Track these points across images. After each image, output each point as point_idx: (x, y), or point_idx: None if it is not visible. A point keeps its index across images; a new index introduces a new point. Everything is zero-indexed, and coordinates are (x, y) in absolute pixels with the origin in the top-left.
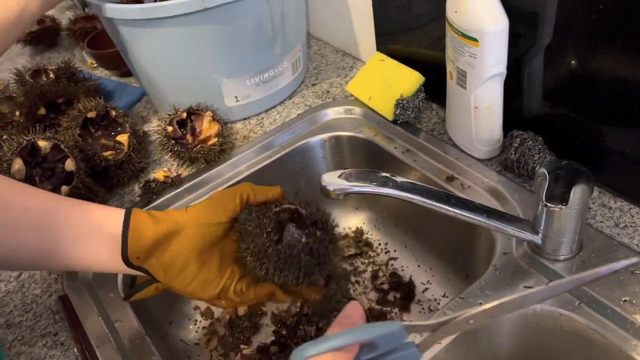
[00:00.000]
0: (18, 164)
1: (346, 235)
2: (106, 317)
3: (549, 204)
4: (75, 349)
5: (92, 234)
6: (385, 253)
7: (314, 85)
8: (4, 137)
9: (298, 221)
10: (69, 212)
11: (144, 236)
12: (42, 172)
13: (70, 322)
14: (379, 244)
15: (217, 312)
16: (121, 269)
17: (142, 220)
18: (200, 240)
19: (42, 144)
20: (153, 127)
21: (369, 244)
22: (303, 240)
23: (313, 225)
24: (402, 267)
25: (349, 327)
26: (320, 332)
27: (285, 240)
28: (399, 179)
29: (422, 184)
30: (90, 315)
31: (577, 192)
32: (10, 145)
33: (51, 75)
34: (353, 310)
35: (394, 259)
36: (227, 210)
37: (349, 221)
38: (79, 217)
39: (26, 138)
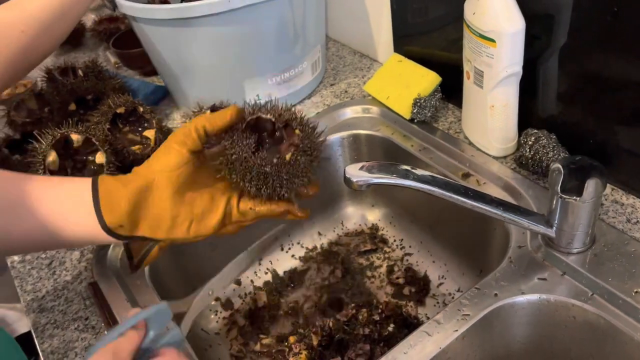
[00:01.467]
0: (52, 156)
1: (362, 232)
2: (134, 303)
3: (564, 196)
4: (106, 332)
5: (75, 206)
6: (401, 249)
7: (332, 85)
8: (35, 131)
9: (269, 129)
10: (43, 188)
11: (117, 204)
12: (73, 164)
13: (100, 307)
14: (394, 240)
15: (237, 303)
16: (100, 239)
17: (111, 186)
18: (176, 184)
19: (75, 137)
20: (176, 124)
21: (384, 240)
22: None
23: (285, 127)
24: (417, 262)
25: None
26: (337, 322)
27: (264, 157)
28: (419, 171)
29: (441, 177)
30: (119, 301)
31: (591, 186)
32: (45, 138)
33: (79, 73)
34: (133, 311)
35: (409, 254)
36: (186, 147)
37: (365, 218)
38: (53, 189)
39: (60, 131)
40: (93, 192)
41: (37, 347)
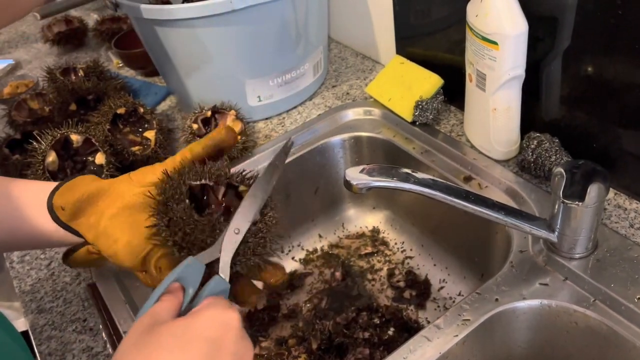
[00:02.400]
0: (52, 157)
1: (363, 234)
2: (133, 305)
3: (566, 200)
4: (104, 334)
5: (32, 203)
6: (402, 252)
7: (334, 86)
8: (35, 131)
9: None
10: (7, 188)
11: (75, 190)
12: (73, 165)
13: (99, 308)
14: (395, 243)
15: (236, 305)
16: (56, 237)
17: (81, 179)
18: (131, 199)
19: (75, 137)
20: (177, 125)
21: (385, 243)
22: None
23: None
24: (418, 265)
25: None
26: (336, 325)
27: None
28: (419, 175)
29: (442, 181)
30: (118, 302)
31: (593, 190)
32: (45, 139)
33: (80, 74)
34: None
35: (410, 257)
36: (157, 173)
37: (366, 220)
38: (18, 189)
39: (60, 132)
40: (54, 189)
41: (35, 348)
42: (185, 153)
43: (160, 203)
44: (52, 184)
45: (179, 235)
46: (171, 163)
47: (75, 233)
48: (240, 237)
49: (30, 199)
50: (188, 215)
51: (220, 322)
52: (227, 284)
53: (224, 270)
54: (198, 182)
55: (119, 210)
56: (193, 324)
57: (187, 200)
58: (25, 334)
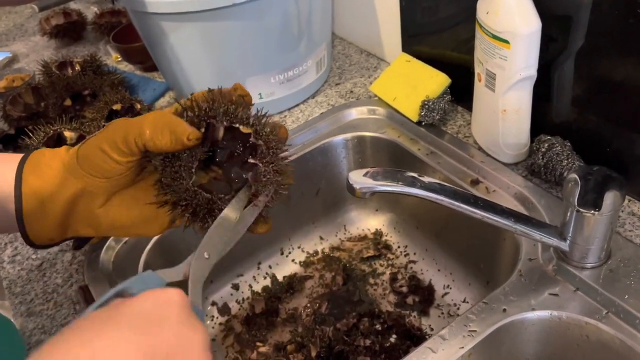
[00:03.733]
0: None
1: (365, 237)
2: None
3: (581, 209)
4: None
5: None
6: (405, 256)
7: (337, 84)
8: (30, 126)
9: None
10: None
11: (47, 218)
12: None
13: None
14: (399, 247)
15: (234, 309)
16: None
17: (39, 197)
18: (110, 192)
19: (68, 134)
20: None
21: (388, 246)
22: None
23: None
24: (421, 270)
25: None
26: (337, 331)
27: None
28: (426, 179)
29: (450, 186)
30: None
31: (609, 198)
32: (37, 135)
33: (77, 68)
34: None
35: (414, 262)
36: (123, 156)
37: (369, 223)
38: None
39: (53, 128)
40: (16, 205)
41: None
42: (137, 142)
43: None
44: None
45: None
46: (128, 152)
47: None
48: (211, 263)
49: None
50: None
51: (156, 298)
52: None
53: (197, 299)
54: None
55: (106, 206)
56: (123, 304)
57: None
58: None
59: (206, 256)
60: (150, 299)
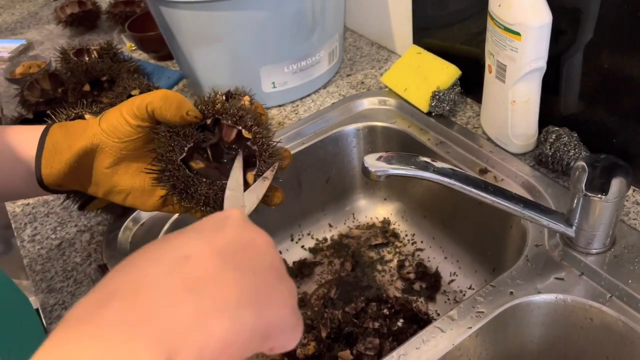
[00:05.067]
0: None
1: (373, 225)
2: None
3: (589, 193)
4: None
5: (5, 157)
6: (412, 244)
7: (348, 75)
8: (48, 111)
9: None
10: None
11: (59, 159)
12: None
13: None
14: (406, 235)
15: None
16: (42, 192)
17: (58, 144)
18: (120, 154)
19: (89, 117)
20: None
21: (395, 235)
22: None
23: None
24: (428, 258)
25: None
26: (346, 314)
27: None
28: (439, 164)
29: (462, 171)
30: None
31: (616, 185)
32: (59, 118)
33: (94, 55)
34: None
35: (421, 250)
36: (137, 121)
37: (377, 211)
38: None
39: (74, 111)
40: (38, 150)
41: (44, 327)
42: (148, 109)
43: (161, 170)
44: (23, 134)
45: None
46: (141, 117)
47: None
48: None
49: (25, 144)
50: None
51: (215, 216)
52: None
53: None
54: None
55: (113, 167)
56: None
57: (186, 170)
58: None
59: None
60: (211, 218)
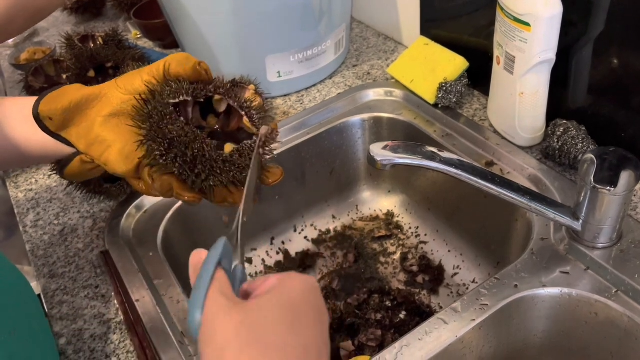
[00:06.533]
0: None
1: (377, 217)
2: (145, 274)
3: (597, 186)
4: (116, 301)
5: (19, 117)
6: (416, 237)
7: (354, 66)
8: None
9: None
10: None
11: (61, 99)
12: None
13: (111, 276)
14: (410, 228)
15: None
16: (43, 145)
17: (67, 88)
18: (118, 107)
19: None
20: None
21: (399, 227)
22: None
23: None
24: (432, 251)
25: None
26: (348, 305)
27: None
28: (445, 154)
29: (469, 162)
30: (131, 271)
31: (625, 178)
32: None
33: (99, 42)
34: (196, 255)
35: (425, 242)
36: (153, 79)
37: (381, 204)
38: (4, 106)
39: None
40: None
41: (46, 311)
42: (165, 68)
43: (150, 128)
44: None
45: (187, 156)
46: (155, 71)
47: (66, 143)
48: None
49: (16, 113)
50: (191, 132)
51: (306, 290)
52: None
53: (241, 258)
54: (177, 100)
55: (109, 117)
56: (285, 293)
57: (181, 118)
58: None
59: (245, 220)
60: (297, 288)
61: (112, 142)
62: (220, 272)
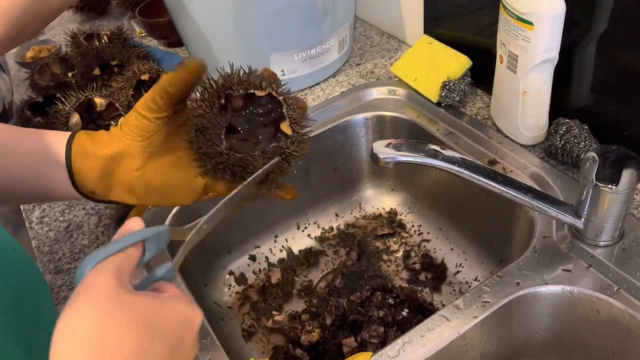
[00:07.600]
0: (75, 118)
1: (380, 215)
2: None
3: (599, 184)
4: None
5: (47, 162)
6: (419, 235)
7: (358, 65)
8: (58, 95)
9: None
10: (23, 139)
11: (89, 173)
12: (95, 128)
13: None
14: (412, 226)
15: (251, 279)
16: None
17: (85, 149)
18: (146, 153)
19: (99, 100)
20: (199, 96)
21: (402, 225)
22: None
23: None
24: (434, 249)
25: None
26: (351, 303)
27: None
28: (448, 152)
29: (471, 160)
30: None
31: (627, 176)
32: (69, 101)
33: (104, 40)
34: (133, 223)
35: (427, 240)
36: (153, 113)
37: (384, 202)
38: (32, 144)
39: (84, 94)
40: (67, 154)
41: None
42: (161, 94)
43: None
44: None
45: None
46: (156, 108)
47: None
48: (205, 233)
49: (44, 156)
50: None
51: (186, 319)
52: (174, 275)
53: (178, 261)
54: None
55: (144, 168)
56: (163, 315)
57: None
58: None
59: (205, 227)
60: (181, 320)
61: (163, 185)
62: (134, 250)
